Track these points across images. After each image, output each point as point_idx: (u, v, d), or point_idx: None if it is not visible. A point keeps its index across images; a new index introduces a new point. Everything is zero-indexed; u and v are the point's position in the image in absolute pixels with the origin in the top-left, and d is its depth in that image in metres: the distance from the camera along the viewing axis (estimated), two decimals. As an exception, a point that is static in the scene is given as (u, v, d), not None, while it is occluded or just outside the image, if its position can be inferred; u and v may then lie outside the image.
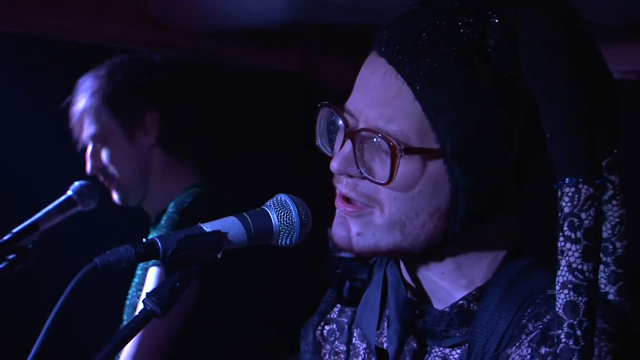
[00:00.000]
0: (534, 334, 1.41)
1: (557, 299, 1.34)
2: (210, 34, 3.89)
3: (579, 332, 1.32)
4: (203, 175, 3.01)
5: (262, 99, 4.04)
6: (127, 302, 2.93)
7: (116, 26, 3.74)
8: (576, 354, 1.32)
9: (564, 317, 1.33)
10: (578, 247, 1.34)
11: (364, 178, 1.45)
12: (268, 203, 1.53)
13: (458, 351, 1.50)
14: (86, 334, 2.65)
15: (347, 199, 1.48)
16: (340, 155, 1.46)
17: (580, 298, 1.33)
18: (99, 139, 2.87)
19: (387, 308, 1.53)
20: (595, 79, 1.40)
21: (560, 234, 1.35)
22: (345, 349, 1.64)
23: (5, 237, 2.28)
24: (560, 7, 1.41)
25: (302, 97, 3.94)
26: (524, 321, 1.43)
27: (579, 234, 1.34)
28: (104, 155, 2.87)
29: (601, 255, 1.41)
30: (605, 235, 1.41)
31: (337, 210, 1.50)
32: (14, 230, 2.31)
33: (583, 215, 1.34)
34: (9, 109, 3.56)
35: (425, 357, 1.52)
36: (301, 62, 4.14)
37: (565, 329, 1.32)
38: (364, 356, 1.61)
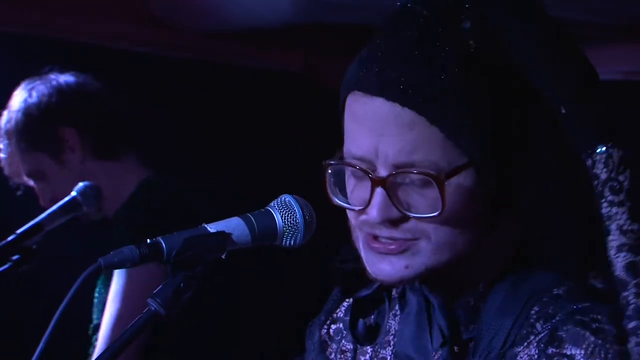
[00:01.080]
0: (542, 334, 1.41)
1: (615, 264, 1.36)
2: (213, 33, 3.89)
3: None
4: (155, 170, 2.99)
5: (264, 99, 4.04)
6: (95, 300, 2.93)
7: (118, 26, 3.74)
8: None
9: (627, 279, 1.35)
10: (624, 209, 1.36)
11: (409, 218, 1.43)
12: (272, 204, 1.53)
13: (463, 349, 1.49)
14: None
15: (377, 236, 1.45)
16: (376, 205, 1.42)
17: (638, 257, 1.35)
18: (36, 175, 2.91)
19: (435, 326, 1.51)
20: (584, 59, 1.42)
21: (603, 200, 1.37)
22: (352, 347, 1.64)
23: (10, 238, 2.28)
24: None
25: (304, 97, 3.95)
26: (531, 320, 1.43)
27: (622, 196, 1.37)
28: (48, 187, 2.88)
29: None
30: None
31: (369, 250, 1.46)
32: (18, 231, 2.31)
33: (621, 178, 1.37)
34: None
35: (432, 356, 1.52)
36: (304, 63, 4.14)
37: (632, 289, 1.34)
38: (372, 354, 1.61)
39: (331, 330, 1.68)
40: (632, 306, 1.34)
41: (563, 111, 1.38)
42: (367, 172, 1.43)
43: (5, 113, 2.92)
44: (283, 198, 1.53)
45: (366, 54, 1.44)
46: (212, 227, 1.49)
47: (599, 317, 1.38)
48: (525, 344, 1.42)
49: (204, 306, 2.77)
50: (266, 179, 3.08)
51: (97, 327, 2.90)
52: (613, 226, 1.36)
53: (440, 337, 1.49)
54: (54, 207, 2.46)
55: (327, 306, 1.72)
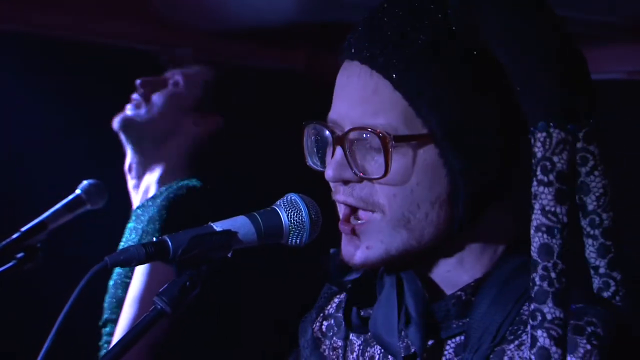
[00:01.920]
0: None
1: (532, 243, 1.35)
2: (216, 32, 3.89)
3: (553, 275, 1.33)
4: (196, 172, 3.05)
5: (267, 98, 4.03)
6: (109, 294, 2.93)
7: (121, 25, 3.74)
8: (550, 295, 1.33)
9: (538, 260, 1.34)
10: (551, 189, 1.35)
11: (361, 179, 1.45)
12: (278, 202, 1.54)
13: (452, 344, 1.50)
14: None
15: (347, 219, 1.48)
16: (332, 163, 1.47)
17: (553, 240, 1.34)
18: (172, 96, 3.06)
19: (404, 307, 1.52)
20: (558, 37, 1.41)
21: (534, 178, 1.37)
22: (342, 344, 1.64)
23: (14, 236, 2.28)
24: None
25: (306, 96, 3.94)
26: (524, 317, 1.43)
27: (551, 177, 1.36)
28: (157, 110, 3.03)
29: (588, 228, 1.41)
30: (590, 207, 1.41)
31: (343, 233, 1.50)
32: (22, 229, 2.30)
33: (555, 159, 1.36)
34: (15, 108, 3.57)
35: (423, 352, 1.51)
36: (306, 61, 4.14)
37: (540, 272, 1.34)
38: (358, 352, 1.61)
39: (323, 327, 1.69)
40: (536, 288, 1.34)
41: (518, 89, 1.39)
42: (333, 132, 1.47)
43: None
44: (289, 197, 1.54)
45: (358, 26, 1.49)
46: (218, 226, 1.49)
47: (594, 320, 1.38)
48: (518, 342, 1.42)
49: (205, 305, 2.77)
50: (268, 177, 3.08)
51: (109, 321, 2.90)
52: (537, 205, 1.36)
53: (407, 316, 1.51)
54: (58, 205, 2.45)
55: (318, 303, 1.73)
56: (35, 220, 2.35)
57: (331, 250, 1.55)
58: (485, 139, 1.43)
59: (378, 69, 1.43)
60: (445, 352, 1.50)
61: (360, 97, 1.45)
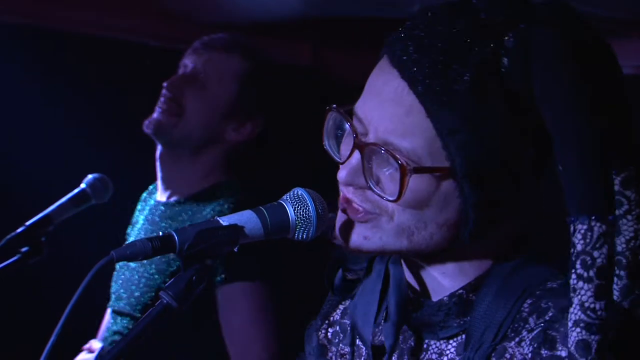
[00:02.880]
0: (535, 331, 1.40)
1: (570, 337, 1.34)
2: (221, 26, 3.88)
3: None
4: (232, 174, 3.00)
5: (273, 91, 4.03)
6: (145, 278, 2.90)
7: (128, 18, 3.73)
8: None
9: (577, 356, 1.33)
10: (590, 286, 1.34)
11: (372, 190, 1.44)
12: (285, 197, 1.53)
13: (454, 344, 1.49)
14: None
15: (349, 200, 1.47)
16: (348, 166, 1.46)
17: (592, 337, 1.33)
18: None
19: (386, 302, 1.53)
20: (611, 106, 1.38)
21: (573, 271, 1.35)
22: (349, 350, 1.64)
23: (19, 230, 2.28)
24: (578, 30, 1.39)
25: (313, 90, 3.94)
26: (524, 314, 1.43)
27: (591, 273, 1.34)
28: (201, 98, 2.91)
29: (615, 268, 1.40)
30: (619, 249, 1.40)
31: (340, 211, 1.49)
32: (27, 223, 2.30)
33: (595, 254, 1.34)
34: (19, 101, 3.56)
35: (422, 355, 1.52)
36: (312, 55, 4.14)
37: None
38: (366, 356, 1.60)
39: (329, 334, 1.69)
40: None
41: (560, 168, 1.37)
42: (356, 132, 1.46)
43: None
44: (295, 191, 1.53)
45: (410, 24, 1.46)
46: (224, 220, 1.49)
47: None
48: (518, 339, 1.42)
49: (207, 307, 2.77)
50: (275, 172, 3.07)
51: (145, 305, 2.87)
52: (575, 300, 1.34)
53: (385, 313, 1.52)
54: (63, 199, 2.45)
55: (323, 309, 1.72)
56: (41, 214, 2.35)
57: (330, 215, 1.54)
58: (507, 184, 1.42)
59: (416, 92, 1.40)
60: (447, 351, 1.50)
61: (392, 112, 1.42)
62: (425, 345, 1.52)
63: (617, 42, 3.26)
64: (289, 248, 1.97)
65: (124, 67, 3.55)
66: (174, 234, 1.45)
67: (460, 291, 1.49)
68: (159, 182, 2.98)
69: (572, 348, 1.34)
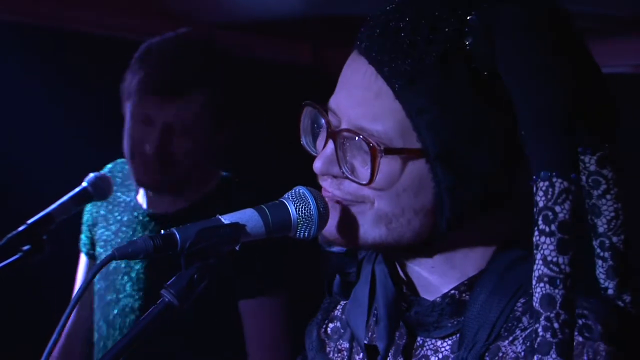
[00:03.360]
0: (528, 330, 1.40)
1: (534, 293, 1.34)
2: (221, 25, 3.88)
3: (556, 325, 1.32)
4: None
5: (273, 91, 4.03)
6: (134, 278, 2.90)
7: (129, 17, 3.73)
8: (554, 346, 1.31)
9: (541, 311, 1.33)
10: (552, 239, 1.33)
11: (347, 178, 1.45)
12: (286, 195, 1.53)
13: (449, 342, 1.50)
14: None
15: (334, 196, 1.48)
16: (322, 156, 1.47)
17: (556, 290, 1.32)
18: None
19: (375, 304, 1.54)
20: (579, 77, 1.38)
21: (535, 228, 1.35)
22: (348, 346, 1.64)
23: (20, 228, 2.28)
24: (539, 5, 1.40)
25: (313, 89, 3.94)
26: (517, 313, 1.43)
27: (553, 227, 1.33)
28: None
29: (598, 250, 1.41)
30: (601, 230, 1.41)
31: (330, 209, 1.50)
32: (29, 222, 2.30)
33: (557, 209, 1.33)
34: (19, 100, 3.57)
35: (417, 351, 1.53)
36: (312, 55, 4.14)
37: (543, 322, 1.32)
38: (364, 353, 1.61)
39: (329, 329, 1.69)
40: (539, 339, 1.32)
41: (522, 133, 1.37)
42: (329, 123, 1.47)
43: None
44: (297, 190, 1.53)
45: (377, 13, 1.47)
46: (226, 219, 1.49)
47: (586, 312, 1.38)
48: (511, 338, 1.42)
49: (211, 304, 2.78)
50: (276, 171, 3.08)
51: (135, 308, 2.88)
52: (538, 255, 1.34)
53: (376, 315, 1.52)
54: (65, 198, 2.45)
55: (324, 305, 1.73)
56: (42, 213, 2.35)
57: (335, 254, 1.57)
58: (479, 163, 1.42)
59: (383, 75, 1.42)
60: (442, 348, 1.50)
61: (361, 97, 1.44)
62: (420, 342, 1.52)
63: (617, 41, 3.27)
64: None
65: (124, 67, 3.54)
66: (176, 232, 1.45)
67: (453, 291, 1.49)
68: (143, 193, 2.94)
69: (537, 304, 1.33)
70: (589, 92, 1.40)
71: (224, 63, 2.85)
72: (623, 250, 1.41)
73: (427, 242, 1.47)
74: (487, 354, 1.43)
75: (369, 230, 1.46)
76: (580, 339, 1.36)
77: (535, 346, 1.32)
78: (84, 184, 2.52)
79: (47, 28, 3.64)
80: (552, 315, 1.32)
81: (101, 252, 2.94)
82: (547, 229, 1.34)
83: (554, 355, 1.31)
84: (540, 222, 1.34)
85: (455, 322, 1.48)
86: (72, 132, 3.10)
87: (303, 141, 1.55)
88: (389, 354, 1.54)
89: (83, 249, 3.03)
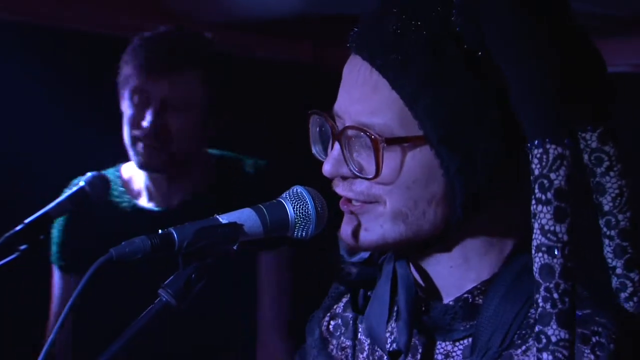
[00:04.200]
0: None
1: (534, 263, 1.33)
2: (221, 24, 3.88)
3: (555, 295, 1.31)
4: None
5: (274, 89, 4.03)
6: None
7: (128, 16, 3.73)
8: (554, 317, 1.31)
9: (540, 281, 1.32)
10: (549, 208, 1.33)
11: (356, 177, 1.45)
12: (284, 195, 1.53)
13: (460, 346, 1.49)
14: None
15: (348, 200, 1.48)
16: (330, 158, 1.47)
17: (554, 260, 1.32)
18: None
19: (397, 301, 1.53)
20: (569, 49, 1.38)
21: (532, 197, 1.34)
22: (351, 344, 1.64)
23: (17, 228, 2.27)
24: None
25: (313, 87, 3.94)
26: (531, 321, 1.42)
27: (549, 195, 1.33)
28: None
29: (605, 229, 1.40)
30: (606, 208, 1.40)
31: (345, 214, 1.50)
32: (26, 221, 2.30)
33: (552, 176, 1.33)
34: (17, 100, 3.56)
35: (428, 355, 1.52)
36: (312, 53, 4.14)
37: (542, 293, 1.32)
38: (368, 351, 1.61)
39: (331, 327, 1.69)
40: (539, 310, 1.32)
41: (513, 102, 1.37)
42: (333, 127, 1.47)
43: None
44: (295, 189, 1.53)
45: (364, 19, 1.48)
46: (224, 218, 1.49)
47: (600, 329, 1.37)
48: (524, 347, 1.41)
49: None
50: (276, 169, 3.07)
51: None
52: (536, 224, 1.33)
53: (396, 313, 1.51)
54: (62, 197, 2.45)
55: (325, 302, 1.72)
56: (39, 212, 2.34)
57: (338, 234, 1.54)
58: (482, 141, 1.41)
59: (377, 68, 1.42)
60: (454, 353, 1.50)
61: (359, 94, 1.44)
62: (431, 345, 1.52)
63: (617, 40, 3.26)
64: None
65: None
66: (173, 232, 1.45)
67: (466, 295, 1.48)
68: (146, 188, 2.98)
69: (537, 274, 1.32)
70: (581, 64, 1.39)
71: (216, 50, 2.94)
72: (630, 228, 1.40)
73: (444, 233, 1.46)
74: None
75: (389, 229, 1.45)
76: (592, 357, 1.35)
77: (536, 316, 1.32)
78: (82, 183, 2.52)
79: (47, 27, 3.64)
80: (551, 285, 1.31)
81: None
82: (544, 197, 1.33)
83: (554, 326, 1.31)
84: (536, 190, 1.34)
85: (467, 326, 1.48)
86: (70, 131, 3.10)
87: (314, 150, 1.55)
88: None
89: (56, 262, 3.03)
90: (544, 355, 1.31)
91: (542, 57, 1.36)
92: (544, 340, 1.31)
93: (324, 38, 4.07)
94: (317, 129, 1.54)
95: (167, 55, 2.83)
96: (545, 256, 1.32)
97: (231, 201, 2.85)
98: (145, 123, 2.81)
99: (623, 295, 1.41)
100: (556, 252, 1.32)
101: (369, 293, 1.60)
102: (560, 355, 1.30)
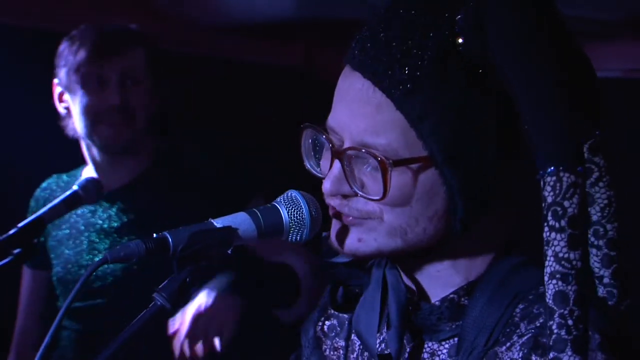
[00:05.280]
0: (526, 337, 1.40)
1: (547, 290, 1.34)
2: (215, 27, 3.88)
3: (570, 322, 1.32)
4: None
5: (266, 93, 4.03)
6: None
7: (118, 18, 3.72)
8: (569, 343, 1.32)
9: (555, 308, 1.33)
10: (563, 235, 1.34)
11: (358, 195, 1.44)
12: (278, 199, 1.53)
13: (446, 346, 1.49)
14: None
15: (339, 213, 1.48)
16: (330, 176, 1.46)
17: (569, 287, 1.33)
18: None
19: (387, 309, 1.53)
20: (569, 62, 1.39)
21: (545, 224, 1.35)
22: (344, 344, 1.64)
23: (11, 232, 2.27)
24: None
25: (305, 91, 3.94)
26: (516, 319, 1.43)
27: (563, 223, 1.34)
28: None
29: (593, 238, 1.40)
30: (594, 218, 1.40)
31: (333, 220, 1.49)
32: (20, 225, 2.30)
33: (566, 204, 1.34)
34: (13, 102, 3.56)
35: (414, 355, 1.52)
36: (304, 56, 4.14)
37: (557, 320, 1.33)
38: (358, 352, 1.61)
39: (325, 327, 1.69)
40: (554, 336, 1.33)
41: (525, 127, 1.37)
42: (332, 142, 1.45)
43: None
44: (289, 193, 1.54)
45: (365, 27, 1.46)
46: (218, 222, 1.49)
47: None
48: (508, 344, 1.42)
49: None
50: (268, 173, 3.08)
51: None
52: (549, 252, 1.35)
53: (387, 320, 1.51)
54: (55, 201, 2.45)
55: (321, 302, 1.73)
56: (33, 216, 2.34)
57: (323, 234, 1.55)
58: (486, 161, 1.42)
59: (381, 87, 1.41)
60: (439, 352, 1.50)
61: (361, 112, 1.42)
62: (418, 345, 1.52)
63: (608, 45, 3.26)
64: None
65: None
66: (168, 236, 1.46)
67: (452, 295, 1.49)
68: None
69: (550, 301, 1.33)
70: (579, 80, 1.40)
71: (152, 34, 3.07)
72: (617, 238, 1.40)
73: (441, 244, 1.46)
74: (484, 359, 1.42)
75: (384, 243, 1.45)
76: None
77: (551, 343, 1.33)
78: (75, 187, 2.52)
79: (40, 29, 3.63)
80: (565, 312, 1.32)
81: (57, 253, 2.99)
82: (557, 225, 1.34)
83: (569, 352, 1.32)
84: (549, 218, 1.35)
85: (453, 326, 1.48)
86: (63, 133, 3.09)
87: (306, 164, 1.53)
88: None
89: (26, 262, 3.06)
90: None
91: (551, 77, 1.36)
92: None
93: (316, 41, 4.08)
94: (310, 141, 1.53)
95: (114, 36, 2.94)
96: (560, 283, 1.33)
97: (166, 187, 2.90)
98: (110, 101, 2.88)
99: (609, 303, 1.42)
100: (570, 280, 1.33)
101: (350, 290, 1.60)
102: None
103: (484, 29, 1.39)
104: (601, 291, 1.41)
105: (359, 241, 1.47)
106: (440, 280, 1.50)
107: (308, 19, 3.69)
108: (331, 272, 1.61)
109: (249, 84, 4.01)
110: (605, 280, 1.41)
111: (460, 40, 1.40)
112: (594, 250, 1.41)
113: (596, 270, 1.41)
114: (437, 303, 1.49)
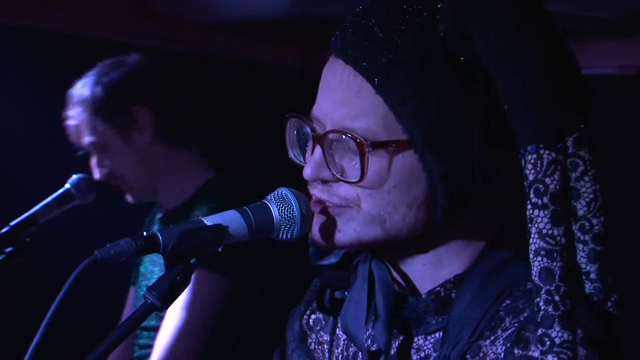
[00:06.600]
0: (509, 330, 1.40)
1: (532, 267, 1.35)
2: (210, 26, 3.88)
3: (557, 298, 1.33)
4: (216, 170, 3.04)
5: (261, 91, 4.03)
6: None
7: (116, 19, 3.73)
8: (557, 319, 1.32)
9: (541, 284, 1.34)
10: (546, 212, 1.35)
11: (338, 180, 1.45)
12: (269, 197, 1.53)
13: (431, 340, 1.49)
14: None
15: (320, 201, 1.48)
16: (311, 162, 1.47)
17: (554, 263, 1.34)
18: (99, 148, 2.92)
19: (374, 302, 1.53)
20: (552, 50, 1.39)
21: (528, 202, 1.36)
22: (329, 339, 1.64)
23: (3, 230, 2.27)
24: None
25: (300, 89, 3.93)
26: (501, 313, 1.43)
27: (545, 200, 1.35)
28: (108, 161, 2.92)
29: (579, 234, 1.40)
30: (581, 213, 1.39)
31: (315, 213, 1.50)
32: (12, 223, 2.30)
33: (548, 181, 1.35)
34: (13, 102, 3.56)
35: (399, 348, 1.52)
36: (299, 55, 4.13)
37: (544, 296, 1.33)
38: (343, 347, 1.61)
39: (311, 321, 1.69)
40: (541, 313, 1.33)
41: (506, 108, 1.38)
42: (314, 129, 1.47)
43: (81, 82, 2.96)
44: (280, 191, 1.53)
45: (347, 21, 1.47)
46: (208, 220, 1.49)
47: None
48: (492, 338, 1.41)
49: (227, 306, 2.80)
50: (262, 172, 3.07)
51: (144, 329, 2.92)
52: (533, 229, 1.35)
53: (374, 314, 1.51)
54: (48, 199, 2.45)
55: (306, 296, 1.72)
56: (25, 215, 2.34)
57: (310, 236, 1.55)
58: (467, 147, 1.42)
59: (361, 72, 1.42)
60: (424, 348, 1.50)
61: (342, 98, 1.43)
62: (402, 339, 1.52)
63: (601, 42, 3.26)
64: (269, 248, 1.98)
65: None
66: (158, 234, 1.45)
67: (439, 289, 1.49)
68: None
69: (536, 278, 1.34)
70: (562, 69, 1.40)
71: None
72: (603, 233, 1.40)
73: (423, 235, 1.46)
74: (468, 352, 1.42)
75: (364, 232, 1.46)
76: (566, 343, 1.34)
77: (539, 319, 1.33)
78: (67, 185, 2.52)
79: (40, 29, 3.63)
80: (552, 288, 1.33)
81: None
82: (540, 202, 1.35)
83: (557, 328, 1.32)
84: (532, 195, 1.35)
85: (439, 320, 1.48)
86: (56, 132, 3.09)
87: (291, 154, 1.54)
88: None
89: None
90: (549, 357, 1.32)
91: (531, 61, 1.37)
92: (548, 343, 1.33)
93: (311, 39, 4.08)
94: (295, 132, 1.53)
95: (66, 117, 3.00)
96: (545, 260, 1.34)
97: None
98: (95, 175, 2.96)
99: (596, 299, 1.41)
100: (555, 256, 1.34)
101: (336, 294, 1.60)
102: (565, 357, 1.32)
103: (465, 17, 1.39)
104: (588, 287, 1.41)
105: (338, 232, 1.47)
106: (428, 274, 1.50)
107: (303, 18, 3.69)
108: (317, 275, 1.61)
109: (249, 84, 4.01)
110: (592, 275, 1.41)
111: (441, 27, 1.40)
112: (580, 246, 1.40)
113: (583, 266, 1.40)
114: (423, 296, 1.49)
